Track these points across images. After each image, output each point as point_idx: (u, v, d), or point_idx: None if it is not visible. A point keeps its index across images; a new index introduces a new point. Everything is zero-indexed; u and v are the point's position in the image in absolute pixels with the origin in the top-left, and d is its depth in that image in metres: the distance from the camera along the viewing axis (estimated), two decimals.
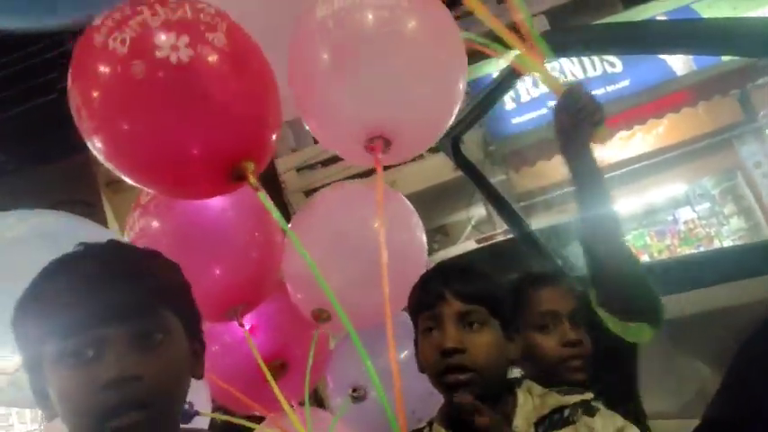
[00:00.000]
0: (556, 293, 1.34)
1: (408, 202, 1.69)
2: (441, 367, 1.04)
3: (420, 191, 8.54)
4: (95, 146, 1.16)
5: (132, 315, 0.77)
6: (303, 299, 1.57)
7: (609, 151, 8.16)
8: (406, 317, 1.20)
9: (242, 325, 1.49)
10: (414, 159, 8.98)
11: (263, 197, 1.25)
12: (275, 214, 1.27)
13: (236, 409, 1.63)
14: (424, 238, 1.67)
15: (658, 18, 8.15)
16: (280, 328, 1.69)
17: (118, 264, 0.80)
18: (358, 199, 1.63)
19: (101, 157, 1.17)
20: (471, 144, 8.62)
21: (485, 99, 1.83)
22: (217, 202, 1.46)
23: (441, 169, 7.40)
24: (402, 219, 1.63)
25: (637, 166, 7.87)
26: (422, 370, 1.12)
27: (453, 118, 1.48)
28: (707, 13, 8.13)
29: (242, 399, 1.50)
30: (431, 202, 9.06)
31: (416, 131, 1.43)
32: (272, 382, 1.36)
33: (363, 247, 1.41)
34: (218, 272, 1.47)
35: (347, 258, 1.48)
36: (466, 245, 5.68)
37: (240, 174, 1.22)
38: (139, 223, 1.46)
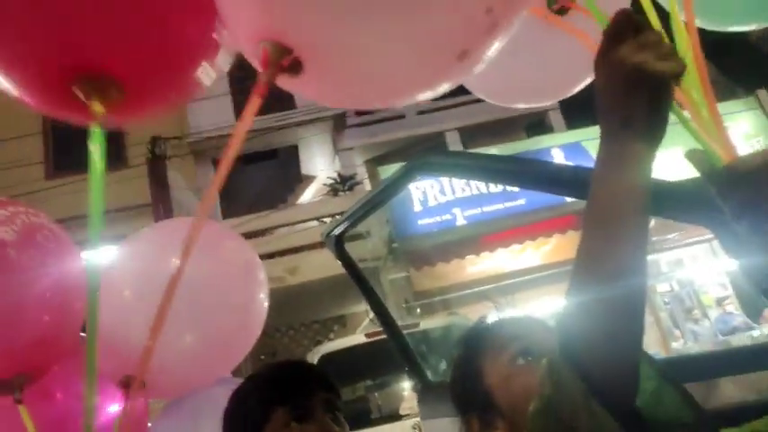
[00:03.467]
0: None
1: (254, 253, 1.50)
2: None
3: (322, 279, 8.55)
4: None
5: None
6: (111, 363, 1.28)
7: (502, 262, 8.72)
8: (222, 390, 1.15)
9: (19, 401, 1.21)
10: (320, 247, 9.04)
11: None
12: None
13: None
14: (266, 297, 1.49)
15: (554, 149, 9.16)
16: (75, 402, 1.31)
17: None
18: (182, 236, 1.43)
19: None
20: (376, 239, 8.89)
21: (370, 201, 1.97)
22: None
23: None
24: (246, 272, 1.43)
25: (526, 278, 8.43)
26: None
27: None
28: (594, 151, 9.22)
29: None
30: (332, 292, 9.07)
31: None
32: None
33: (189, 297, 1.18)
34: None
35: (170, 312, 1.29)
36: (360, 337, 5.68)
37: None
38: None
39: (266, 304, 1.48)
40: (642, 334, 0.64)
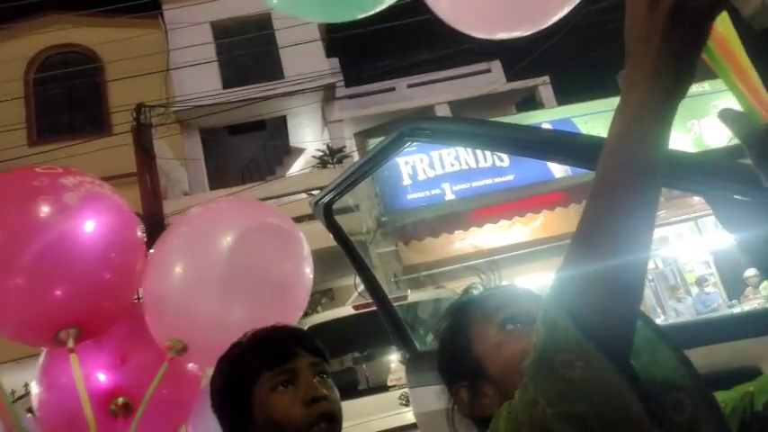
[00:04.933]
0: None
1: (296, 228, 1.59)
2: (310, 418, 1.04)
3: (311, 251, 8.54)
4: None
5: None
6: (159, 327, 1.44)
7: (491, 237, 8.75)
8: None
9: (71, 351, 1.36)
10: (308, 220, 9.01)
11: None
12: None
13: None
14: (311, 270, 1.61)
15: (544, 125, 9.13)
16: (127, 362, 1.52)
17: None
18: (232, 217, 1.54)
19: None
20: (365, 214, 8.86)
21: (360, 168, 1.93)
22: (64, 216, 1.37)
23: None
24: (290, 245, 1.54)
25: (514, 253, 8.48)
26: (275, 427, 1.07)
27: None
28: (583, 127, 9.22)
29: None
30: (321, 264, 9.07)
31: None
32: (91, 423, 1.25)
33: (236, 271, 1.36)
34: (46, 289, 1.36)
35: (215, 283, 1.37)
36: (348, 309, 5.70)
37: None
38: None
39: (311, 277, 1.60)
40: (642, 289, 0.61)
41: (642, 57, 0.57)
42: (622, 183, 0.58)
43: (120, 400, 1.45)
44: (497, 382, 0.87)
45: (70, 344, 1.37)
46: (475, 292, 1.00)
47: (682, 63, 0.56)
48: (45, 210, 1.37)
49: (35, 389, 1.56)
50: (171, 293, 1.43)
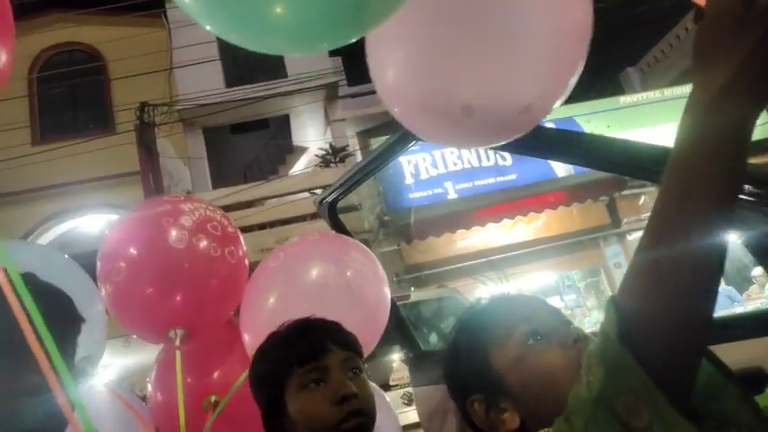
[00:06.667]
0: None
1: (375, 261, 1.75)
2: (339, 417, 1.03)
3: None
4: None
5: None
6: (253, 340, 1.56)
7: (493, 237, 8.76)
8: None
9: (178, 348, 1.57)
10: (310, 219, 8.99)
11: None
12: None
13: None
14: (389, 292, 1.74)
15: (546, 124, 9.10)
16: (222, 365, 1.73)
17: None
18: (320, 249, 1.74)
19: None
20: (368, 212, 8.87)
21: (365, 167, 1.93)
22: (184, 231, 1.60)
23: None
24: (370, 270, 1.69)
25: (516, 252, 8.48)
26: (306, 427, 1.07)
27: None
28: (586, 126, 9.22)
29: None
30: None
31: None
32: (182, 413, 1.45)
33: (323, 295, 1.51)
34: (164, 295, 1.59)
35: (305, 306, 1.44)
36: None
37: None
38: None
39: (389, 298, 1.72)
40: (711, 318, 0.57)
41: (728, 61, 0.53)
42: (697, 194, 0.54)
43: (213, 398, 1.65)
44: (517, 397, 0.86)
45: (177, 342, 1.57)
46: (484, 303, 0.98)
47: None
48: (166, 229, 1.62)
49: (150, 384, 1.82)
50: (265, 312, 1.60)
